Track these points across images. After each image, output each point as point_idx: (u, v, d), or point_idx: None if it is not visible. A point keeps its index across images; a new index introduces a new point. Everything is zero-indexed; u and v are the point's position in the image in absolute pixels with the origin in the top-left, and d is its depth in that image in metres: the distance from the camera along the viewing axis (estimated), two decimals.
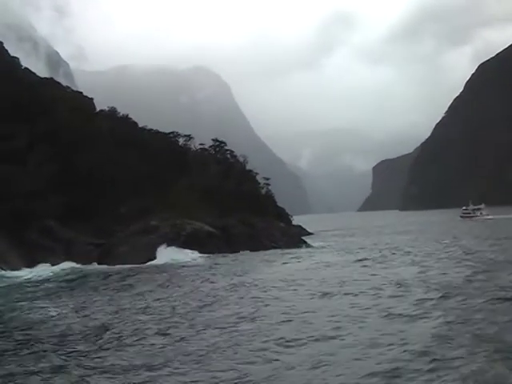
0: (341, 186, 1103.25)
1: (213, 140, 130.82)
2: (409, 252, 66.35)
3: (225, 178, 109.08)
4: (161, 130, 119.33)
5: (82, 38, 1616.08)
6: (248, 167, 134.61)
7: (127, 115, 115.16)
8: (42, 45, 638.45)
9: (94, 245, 74.01)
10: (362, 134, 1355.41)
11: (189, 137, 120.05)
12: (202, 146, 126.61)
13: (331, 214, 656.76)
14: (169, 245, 69.95)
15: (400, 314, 28.97)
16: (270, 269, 55.88)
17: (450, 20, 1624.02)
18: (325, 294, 36.84)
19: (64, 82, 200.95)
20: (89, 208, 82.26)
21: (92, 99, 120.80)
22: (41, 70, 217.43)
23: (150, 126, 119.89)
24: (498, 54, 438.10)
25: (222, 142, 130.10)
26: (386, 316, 28.91)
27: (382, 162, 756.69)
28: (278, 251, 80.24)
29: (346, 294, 36.63)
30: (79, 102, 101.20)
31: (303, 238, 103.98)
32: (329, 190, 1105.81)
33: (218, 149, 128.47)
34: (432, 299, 32.54)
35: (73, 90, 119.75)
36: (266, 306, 33.91)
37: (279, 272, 52.00)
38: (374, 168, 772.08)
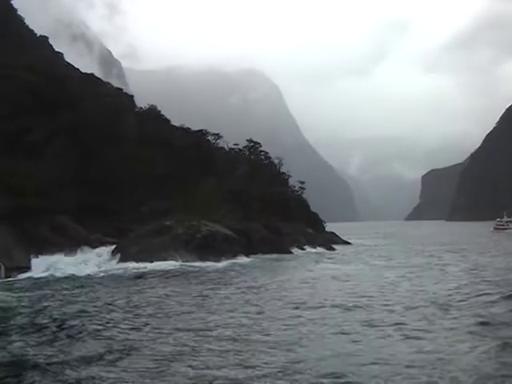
0: (389, 194, 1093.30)
1: (247, 141, 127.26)
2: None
3: (253, 180, 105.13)
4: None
5: (134, 37, 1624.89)
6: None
7: (159, 112, 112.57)
8: (95, 43, 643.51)
9: (107, 244, 70.95)
10: (412, 142, 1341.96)
11: (218, 135, 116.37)
12: (234, 146, 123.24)
13: (378, 221, 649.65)
14: (184, 247, 66.48)
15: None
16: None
17: (508, 30, 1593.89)
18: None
19: (116, 82, 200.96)
20: (108, 206, 79.84)
21: (132, 96, 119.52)
22: (94, 70, 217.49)
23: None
24: None
25: (256, 143, 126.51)
26: None
27: (431, 171, 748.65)
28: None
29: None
30: (114, 99, 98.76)
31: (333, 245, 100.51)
32: (377, 197, 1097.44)
33: (252, 150, 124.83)
34: None
35: (116, 88, 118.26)
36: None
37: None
38: (422, 177, 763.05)
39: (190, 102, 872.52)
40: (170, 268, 59.75)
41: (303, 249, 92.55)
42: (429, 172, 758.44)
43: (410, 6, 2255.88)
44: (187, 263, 63.17)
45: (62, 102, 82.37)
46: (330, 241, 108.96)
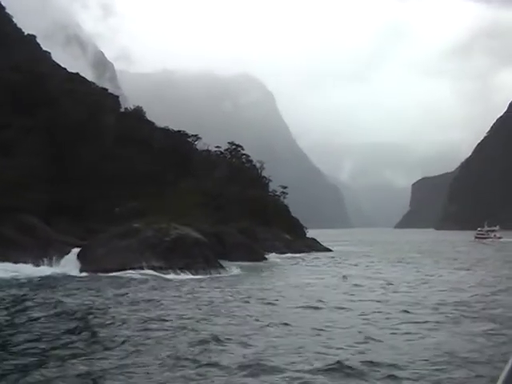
0: (380, 201, 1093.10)
1: (229, 143, 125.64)
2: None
3: (231, 183, 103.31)
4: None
5: (128, 40, 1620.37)
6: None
7: (143, 113, 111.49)
8: (89, 45, 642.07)
9: (74, 246, 68.79)
10: (405, 149, 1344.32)
11: (196, 137, 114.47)
12: (216, 149, 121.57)
13: (368, 228, 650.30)
14: (149, 251, 64.22)
15: None
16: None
17: (505, 39, 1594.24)
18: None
19: (108, 84, 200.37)
20: (82, 206, 78.45)
21: (117, 97, 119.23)
22: (87, 72, 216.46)
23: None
24: None
25: (238, 146, 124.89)
26: None
27: (422, 179, 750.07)
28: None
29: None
30: (95, 98, 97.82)
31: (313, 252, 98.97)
32: (368, 204, 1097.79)
33: (233, 152, 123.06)
34: None
35: (101, 88, 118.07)
36: None
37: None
38: (413, 185, 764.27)
39: (182, 105, 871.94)
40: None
41: (282, 253, 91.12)
42: (419, 180, 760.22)
43: (408, 13, 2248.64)
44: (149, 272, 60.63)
45: (41, 100, 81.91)
46: (310, 247, 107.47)
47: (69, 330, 27.69)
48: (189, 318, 31.48)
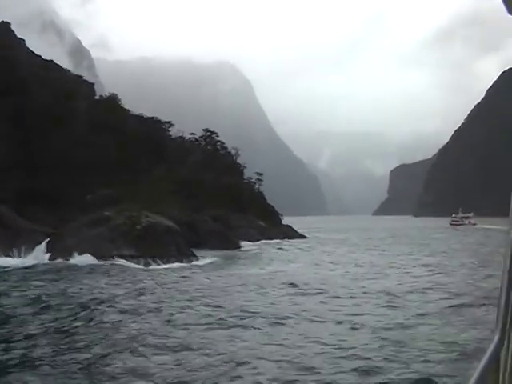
0: (359, 189, 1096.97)
1: (203, 130, 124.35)
2: None
3: (205, 170, 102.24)
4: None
5: (106, 27, 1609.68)
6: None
7: (117, 100, 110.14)
8: (66, 32, 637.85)
9: (45, 235, 67.44)
10: (384, 137, 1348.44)
11: (170, 123, 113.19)
12: (191, 136, 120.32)
13: (347, 216, 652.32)
14: (121, 239, 63.10)
15: None
16: None
17: (483, 27, 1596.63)
18: None
19: (86, 73, 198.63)
20: (54, 195, 77.00)
21: (93, 84, 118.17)
22: (64, 60, 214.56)
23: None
24: None
25: (213, 133, 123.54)
26: None
27: (400, 166, 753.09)
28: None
29: None
30: (67, 85, 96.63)
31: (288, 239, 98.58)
32: (346, 191, 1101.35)
33: (208, 139, 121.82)
34: None
35: (76, 75, 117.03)
36: None
37: None
38: (391, 172, 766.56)
39: (160, 92, 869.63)
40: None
41: (256, 240, 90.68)
42: (397, 167, 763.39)
43: (387, 2, 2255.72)
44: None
45: (12, 86, 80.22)
46: (285, 234, 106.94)
47: None
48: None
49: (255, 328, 25.83)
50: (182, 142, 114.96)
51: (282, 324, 26.88)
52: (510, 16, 3.46)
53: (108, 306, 31.19)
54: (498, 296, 3.14)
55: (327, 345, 22.46)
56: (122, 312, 29.65)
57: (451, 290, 38.18)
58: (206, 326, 25.94)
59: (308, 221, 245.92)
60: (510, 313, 3.12)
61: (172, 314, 29.00)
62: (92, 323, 26.84)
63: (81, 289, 38.90)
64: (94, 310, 30.48)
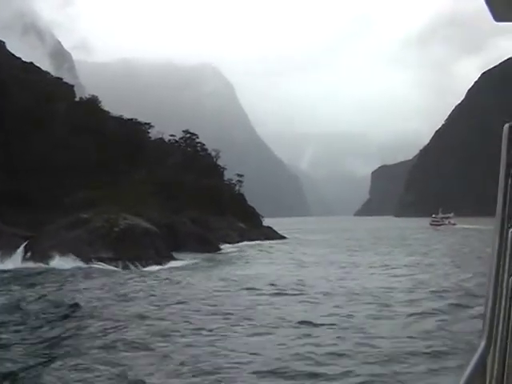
0: (340, 189, 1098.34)
1: (183, 131, 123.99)
2: None
3: (185, 172, 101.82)
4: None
5: (87, 29, 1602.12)
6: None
7: (98, 102, 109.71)
8: (47, 34, 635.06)
9: (24, 238, 66.79)
10: (366, 138, 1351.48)
11: (149, 125, 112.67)
12: (170, 137, 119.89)
13: (329, 217, 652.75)
14: (99, 242, 62.65)
15: None
16: None
17: (465, 28, 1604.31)
18: None
19: (67, 75, 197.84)
20: (32, 197, 76.49)
21: (72, 86, 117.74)
22: (45, 63, 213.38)
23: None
24: (501, 63, 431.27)
25: (193, 134, 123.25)
26: None
27: (381, 167, 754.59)
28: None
29: None
30: (47, 88, 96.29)
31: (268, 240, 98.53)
32: (328, 192, 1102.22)
33: (188, 141, 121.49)
34: None
35: (56, 77, 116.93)
36: None
37: None
38: (372, 173, 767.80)
39: (142, 95, 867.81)
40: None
41: (236, 242, 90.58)
42: (379, 168, 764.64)
43: (369, 2, 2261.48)
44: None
45: None
46: (266, 235, 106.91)
47: None
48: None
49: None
50: (161, 144, 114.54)
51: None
52: (493, 21, 3.47)
53: (84, 312, 30.87)
54: (484, 302, 3.03)
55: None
56: (96, 318, 29.34)
57: (432, 288, 38.87)
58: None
59: (289, 222, 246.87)
60: (496, 319, 3.01)
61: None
62: (69, 332, 26.45)
63: (58, 293, 38.51)
64: (71, 316, 30.08)
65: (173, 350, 22.37)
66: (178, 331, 25.88)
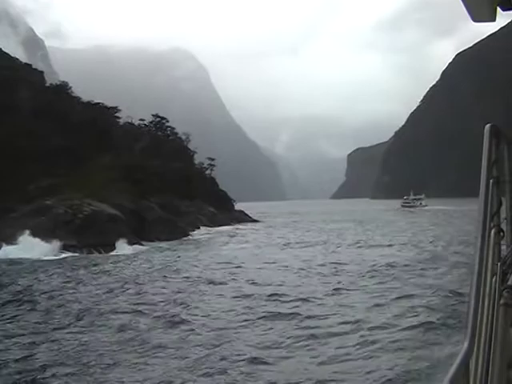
0: (317, 173, 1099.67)
1: (153, 115, 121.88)
2: None
3: (154, 156, 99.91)
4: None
5: (60, 15, 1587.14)
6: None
7: (67, 88, 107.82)
8: (20, 21, 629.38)
9: None
10: (341, 121, 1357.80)
11: (115, 109, 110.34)
12: (140, 122, 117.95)
13: (304, 200, 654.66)
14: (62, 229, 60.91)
15: None
16: None
17: (436, 10, 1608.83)
18: None
19: (41, 63, 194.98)
20: None
21: (42, 73, 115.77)
22: (19, 52, 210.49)
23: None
24: (475, 44, 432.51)
25: (163, 118, 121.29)
26: None
27: (357, 149, 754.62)
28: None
29: None
30: (10, 73, 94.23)
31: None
32: (304, 176, 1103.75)
33: (158, 125, 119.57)
34: None
35: (25, 63, 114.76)
36: None
37: None
38: (348, 156, 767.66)
39: (116, 80, 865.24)
40: None
41: (205, 226, 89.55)
42: (354, 151, 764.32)
43: None
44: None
45: None
46: (237, 219, 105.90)
47: None
48: None
49: None
50: (130, 129, 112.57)
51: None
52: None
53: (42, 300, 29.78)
54: (467, 303, 2.95)
55: None
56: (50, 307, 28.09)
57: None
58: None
59: (264, 206, 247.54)
60: (479, 320, 3.01)
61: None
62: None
63: (17, 283, 37.03)
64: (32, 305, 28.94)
65: None
66: None
